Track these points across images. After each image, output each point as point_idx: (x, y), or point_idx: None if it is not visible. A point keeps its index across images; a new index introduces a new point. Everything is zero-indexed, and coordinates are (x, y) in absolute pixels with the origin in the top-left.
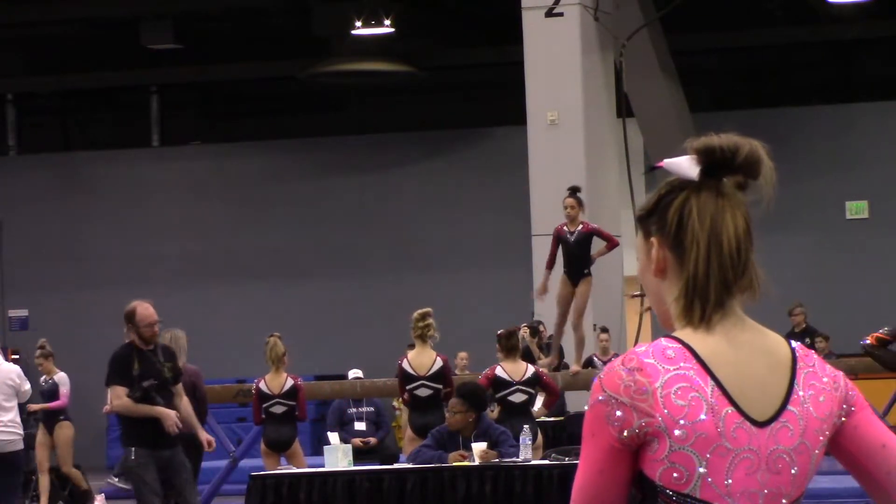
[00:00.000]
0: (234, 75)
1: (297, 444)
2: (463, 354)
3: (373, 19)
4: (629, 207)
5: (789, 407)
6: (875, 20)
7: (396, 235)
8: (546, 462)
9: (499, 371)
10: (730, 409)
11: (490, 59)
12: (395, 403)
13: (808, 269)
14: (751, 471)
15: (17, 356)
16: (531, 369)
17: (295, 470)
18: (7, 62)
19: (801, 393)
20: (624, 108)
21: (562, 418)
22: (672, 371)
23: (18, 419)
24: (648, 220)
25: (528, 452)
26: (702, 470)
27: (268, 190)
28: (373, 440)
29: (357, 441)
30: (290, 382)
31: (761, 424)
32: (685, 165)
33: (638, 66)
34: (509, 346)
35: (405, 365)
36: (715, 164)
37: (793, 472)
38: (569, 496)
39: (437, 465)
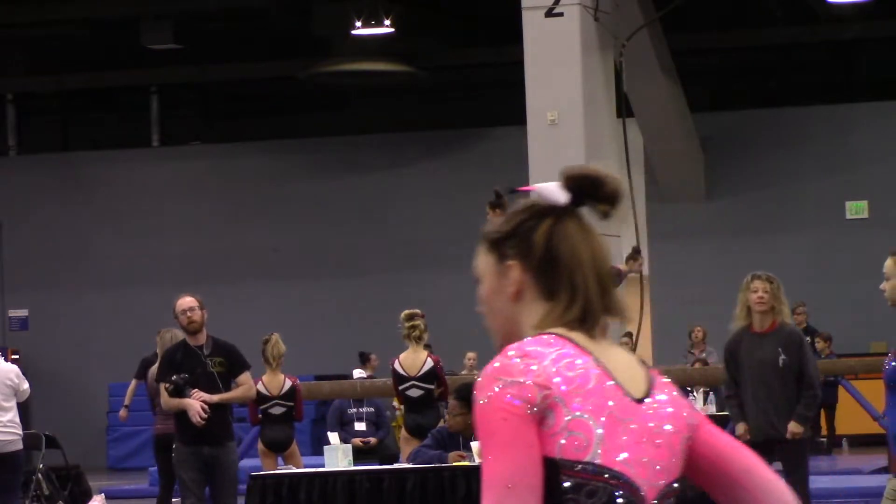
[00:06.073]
0: (234, 75)
1: (295, 444)
2: (471, 355)
3: (373, 19)
4: (629, 207)
5: (655, 395)
6: (875, 20)
7: (396, 235)
8: None
9: None
10: (612, 381)
11: (490, 59)
12: (394, 403)
13: (808, 269)
14: (638, 441)
15: (16, 356)
16: None
17: (295, 470)
18: (7, 62)
19: (659, 394)
20: (624, 108)
21: None
22: (555, 351)
23: (18, 419)
24: (505, 244)
25: None
26: (599, 434)
27: (268, 190)
28: (373, 440)
29: (357, 441)
30: (288, 383)
31: (639, 401)
32: (555, 191)
33: (638, 66)
34: None
35: (396, 366)
36: (583, 193)
37: (670, 449)
38: None
39: (437, 465)
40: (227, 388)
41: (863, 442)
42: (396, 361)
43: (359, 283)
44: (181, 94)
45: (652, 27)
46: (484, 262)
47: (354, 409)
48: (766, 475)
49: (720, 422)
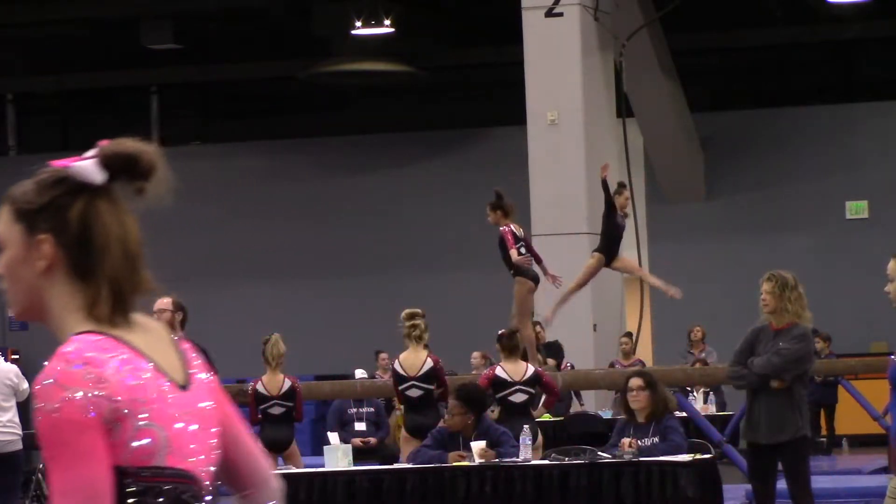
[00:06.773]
0: (234, 75)
1: (295, 444)
2: (477, 354)
3: (373, 19)
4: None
5: (190, 373)
6: (874, 20)
7: (396, 235)
8: (546, 462)
9: (499, 371)
10: (167, 381)
11: (490, 59)
12: (395, 403)
13: (808, 269)
14: (195, 432)
15: (17, 356)
16: (531, 369)
17: (295, 470)
18: (7, 62)
19: (193, 366)
20: (624, 108)
21: (562, 418)
22: (114, 357)
23: (17, 419)
24: (37, 216)
25: (528, 452)
26: (164, 438)
27: (268, 190)
28: (373, 440)
29: (357, 441)
30: (287, 383)
31: (184, 387)
32: (90, 169)
33: (638, 66)
34: (510, 346)
35: (396, 365)
36: (119, 170)
37: (213, 429)
38: (569, 496)
39: (437, 465)
40: None
41: (863, 442)
42: (396, 361)
43: (359, 282)
44: (181, 94)
45: (652, 27)
46: (9, 229)
47: (354, 409)
48: (272, 489)
49: (721, 422)
